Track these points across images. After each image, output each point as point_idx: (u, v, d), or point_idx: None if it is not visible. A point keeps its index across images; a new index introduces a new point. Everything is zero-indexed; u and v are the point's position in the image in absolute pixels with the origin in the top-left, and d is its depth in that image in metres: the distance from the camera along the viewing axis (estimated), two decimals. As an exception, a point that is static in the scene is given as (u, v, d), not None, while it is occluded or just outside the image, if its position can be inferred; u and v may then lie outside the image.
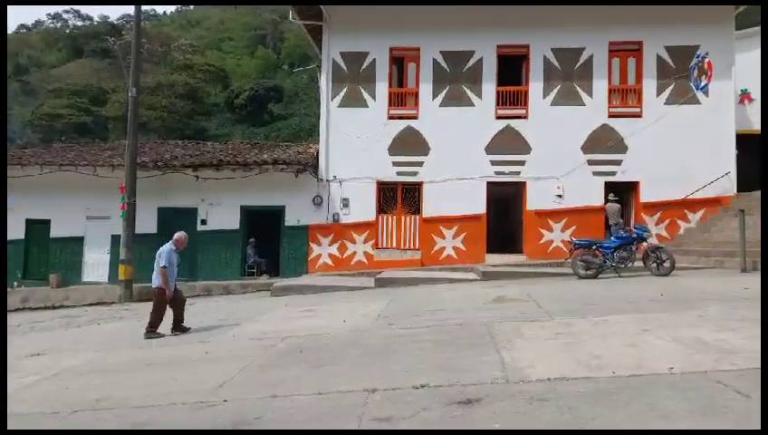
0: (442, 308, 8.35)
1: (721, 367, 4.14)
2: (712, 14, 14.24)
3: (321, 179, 15.25)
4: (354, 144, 15.03)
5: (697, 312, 6.31)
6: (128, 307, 12.65)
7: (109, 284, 14.95)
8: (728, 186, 14.03)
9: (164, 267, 7.99)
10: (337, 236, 15.08)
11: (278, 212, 15.41)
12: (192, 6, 74.10)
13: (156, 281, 8.10)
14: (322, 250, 15.15)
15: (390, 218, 15.17)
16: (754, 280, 8.92)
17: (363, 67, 15.29)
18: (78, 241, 15.82)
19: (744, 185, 14.08)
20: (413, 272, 13.48)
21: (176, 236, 8.39)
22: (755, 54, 15.28)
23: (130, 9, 18.19)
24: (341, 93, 15.35)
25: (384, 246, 15.06)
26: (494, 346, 5.48)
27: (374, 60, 15.25)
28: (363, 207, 15.04)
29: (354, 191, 15.06)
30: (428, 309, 8.36)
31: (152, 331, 7.98)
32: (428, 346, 5.82)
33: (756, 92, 15.96)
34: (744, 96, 16.00)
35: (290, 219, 15.30)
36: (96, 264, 15.70)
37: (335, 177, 15.19)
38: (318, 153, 15.49)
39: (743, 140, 14.39)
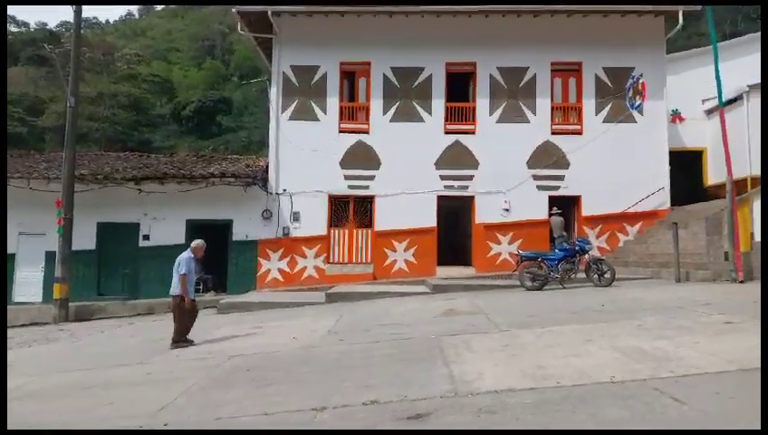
0: (393, 322, 8.33)
1: (658, 375, 4.32)
2: (645, 39, 15.07)
3: (271, 193, 15.02)
4: (305, 157, 14.92)
5: (636, 321, 6.58)
6: (63, 328, 11.94)
7: (43, 303, 14.09)
8: (663, 200, 14.80)
9: (184, 274, 7.93)
10: (287, 251, 14.86)
11: (225, 226, 15.03)
12: (137, 15, 72.06)
13: (175, 289, 8.03)
14: (272, 265, 14.87)
15: (342, 232, 15.10)
16: (688, 290, 9.42)
17: (314, 81, 15.26)
18: (8, 259, 14.85)
19: (677, 199, 14.90)
20: (365, 286, 13.43)
21: (193, 244, 8.43)
22: (684, 77, 16.30)
23: (70, 16, 17.43)
24: (292, 106, 15.25)
25: (336, 260, 14.95)
26: (443, 360, 5.51)
27: (325, 74, 15.26)
28: (314, 221, 14.90)
29: (305, 205, 14.92)
30: (380, 324, 8.33)
31: (179, 340, 7.90)
32: (379, 362, 5.78)
33: (686, 112, 17.00)
34: (675, 116, 16.99)
35: (238, 234, 14.95)
36: (29, 282, 14.77)
37: (285, 190, 15.01)
38: (267, 166, 15.27)
39: (675, 157, 15.25)
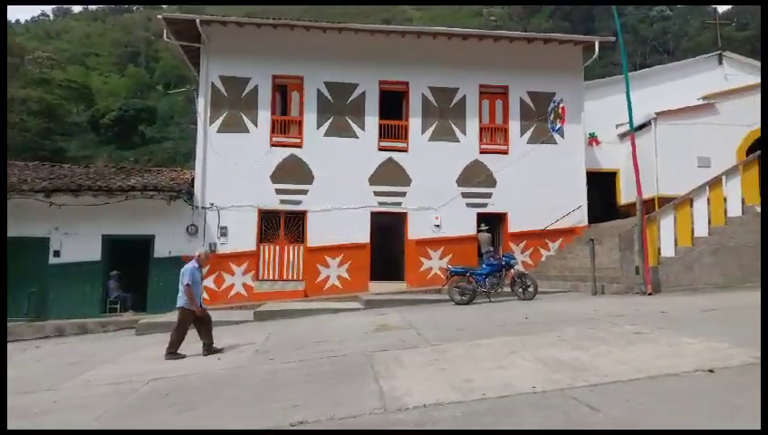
0: (324, 340, 8.22)
1: (575, 384, 4.52)
2: (565, 66, 16.04)
3: (197, 207, 14.49)
4: (234, 171, 14.55)
5: (557, 333, 6.87)
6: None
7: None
8: (581, 217, 15.69)
9: (188, 285, 7.84)
10: (213, 268, 14.32)
11: (147, 242, 14.30)
12: (52, 16, 67.90)
13: (180, 300, 7.96)
14: (197, 282, 14.26)
15: (272, 248, 14.79)
16: (603, 302, 9.99)
17: (245, 93, 14.98)
18: None
19: (593, 217, 15.85)
20: (296, 303, 13.18)
21: (198, 252, 8.36)
22: (601, 102, 17.46)
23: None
24: (221, 118, 14.87)
25: (265, 277, 14.60)
26: (373, 376, 5.49)
27: (256, 86, 15.03)
28: (243, 237, 14.51)
29: (233, 220, 14.50)
30: (310, 341, 8.19)
31: (173, 351, 7.76)
32: (308, 380, 5.67)
33: (602, 136, 18.18)
34: (592, 139, 18.12)
35: (160, 250, 14.26)
36: None
37: (212, 204, 14.53)
38: (194, 179, 14.74)
39: (591, 178, 16.26)
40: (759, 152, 11.69)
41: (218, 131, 14.83)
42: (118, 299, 14.23)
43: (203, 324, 8.04)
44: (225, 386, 5.81)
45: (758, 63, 20.08)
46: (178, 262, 14.19)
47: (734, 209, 11.30)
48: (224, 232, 14.46)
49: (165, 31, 14.70)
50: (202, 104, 14.90)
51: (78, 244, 13.84)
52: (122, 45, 53.60)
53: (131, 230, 14.17)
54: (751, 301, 8.58)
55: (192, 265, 8.10)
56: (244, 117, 14.93)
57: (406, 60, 15.46)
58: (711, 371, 4.53)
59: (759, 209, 11.13)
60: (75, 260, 13.76)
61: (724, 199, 11.34)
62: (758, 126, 16.67)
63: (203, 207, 14.51)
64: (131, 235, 14.23)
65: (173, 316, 12.50)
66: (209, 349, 7.92)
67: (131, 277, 14.46)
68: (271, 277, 14.60)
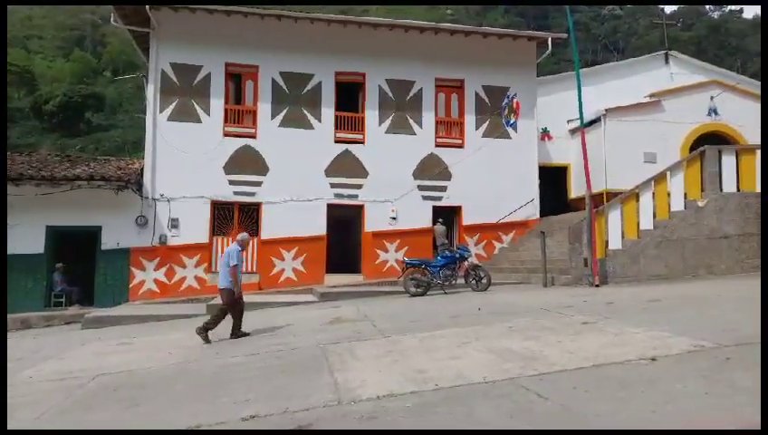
0: (278, 333, 8.14)
1: (525, 373, 4.63)
2: (519, 61, 16.33)
3: (147, 198, 14.01)
4: (185, 161, 14.13)
5: (508, 323, 7.04)
6: None
7: None
8: (533, 211, 16.08)
9: (235, 266, 8.00)
10: (164, 260, 13.92)
11: (93, 234, 13.73)
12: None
13: (224, 281, 8.06)
14: (147, 276, 13.85)
15: (226, 240, 14.47)
16: (553, 293, 10.29)
17: (196, 81, 14.55)
18: None
19: (545, 210, 16.28)
20: (250, 296, 12.87)
21: (240, 237, 8.64)
22: (553, 98, 17.90)
23: None
24: (171, 106, 14.39)
25: (218, 269, 14.24)
26: (328, 368, 5.47)
27: (209, 74, 14.61)
28: (195, 229, 14.14)
29: (185, 211, 14.10)
30: (264, 335, 8.09)
31: (240, 330, 8.05)
32: (261, 374, 5.59)
33: (554, 131, 18.65)
34: (545, 134, 18.58)
35: (108, 242, 13.72)
36: None
37: (163, 195, 14.08)
38: (143, 169, 14.23)
39: (543, 172, 16.67)
40: (700, 149, 12.28)
41: (169, 120, 14.35)
42: (63, 293, 13.63)
43: (238, 308, 8.24)
44: (174, 381, 5.66)
45: (702, 64, 21.10)
46: (128, 254, 13.79)
47: (677, 204, 11.83)
48: (175, 224, 14.05)
49: (112, 15, 14.08)
50: (152, 92, 14.38)
51: (20, 236, 13.12)
52: (67, 28, 50.97)
53: (77, 221, 13.57)
54: (691, 291, 9.04)
55: (236, 247, 8.30)
56: (195, 105, 14.50)
57: (363, 51, 15.37)
58: (653, 359, 4.74)
59: (701, 204, 11.71)
60: (17, 252, 13.04)
61: (668, 194, 11.86)
62: (700, 123, 17.55)
63: (153, 198, 14.04)
64: (77, 226, 13.64)
65: (121, 310, 12.17)
66: (237, 332, 8.07)
67: (77, 270, 13.87)
68: (225, 270, 14.28)
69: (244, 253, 14.11)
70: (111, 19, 14.31)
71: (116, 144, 33.73)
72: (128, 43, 17.17)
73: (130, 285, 13.75)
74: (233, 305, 8.09)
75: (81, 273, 13.84)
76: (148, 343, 8.26)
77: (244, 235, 8.83)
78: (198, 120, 14.49)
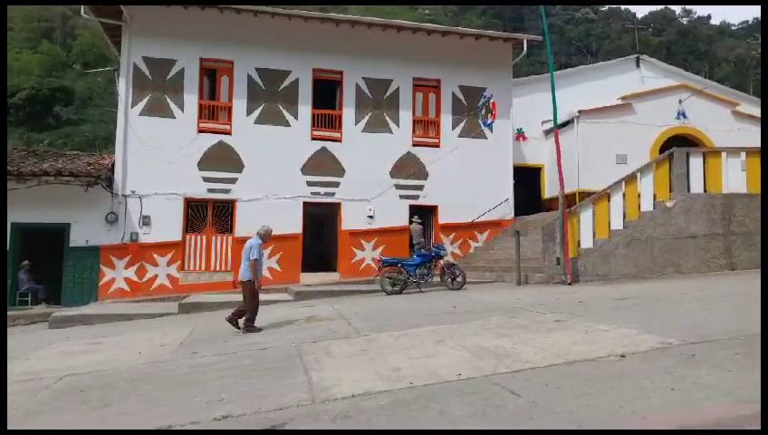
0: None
1: (498, 371, 4.69)
2: (495, 62, 16.48)
3: (117, 194, 13.71)
4: (158, 157, 13.87)
5: (482, 322, 7.10)
6: None
7: None
8: (507, 210, 16.26)
9: (255, 260, 8.12)
10: (135, 258, 13.65)
11: (61, 231, 13.38)
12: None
13: (247, 274, 8.16)
14: (117, 274, 13.55)
15: (199, 238, 14.27)
16: (526, 292, 10.43)
17: (170, 75, 14.29)
18: None
19: (519, 210, 16.49)
20: (223, 295, 12.79)
21: (263, 230, 8.64)
22: (528, 99, 18.15)
23: None
24: (144, 101, 14.10)
25: (191, 268, 14.08)
26: (302, 367, 5.43)
27: (183, 69, 14.37)
28: (167, 226, 13.89)
29: (157, 208, 13.84)
30: (237, 334, 7.99)
31: (252, 325, 8.06)
32: (234, 373, 5.52)
33: (528, 132, 18.89)
34: (520, 135, 18.81)
35: (76, 239, 13.39)
36: None
37: (134, 192, 13.81)
38: (114, 165, 13.92)
39: (518, 172, 16.88)
40: (669, 151, 12.58)
41: (141, 115, 14.07)
42: (29, 291, 13.25)
43: (254, 300, 8.30)
44: (144, 381, 5.55)
45: (671, 68, 21.64)
46: (97, 252, 13.47)
47: (647, 204, 12.10)
48: (146, 221, 13.78)
49: (83, 6, 13.72)
50: (123, 86, 14.07)
51: (-19, 232, 12.71)
52: (35, 20, 49.46)
53: (44, 218, 13.20)
54: (659, 290, 9.26)
55: (257, 241, 8.37)
56: (169, 101, 14.24)
57: (340, 49, 15.31)
58: (623, 356, 4.84)
59: (669, 205, 12.00)
60: (-22, 250, 12.63)
61: (638, 195, 12.13)
62: (669, 126, 18.00)
63: (123, 195, 13.75)
64: (44, 223, 13.27)
65: (90, 309, 11.88)
66: (250, 327, 8.10)
67: (44, 268, 13.50)
68: (197, 268, 14.11)
69: (241, 250, 14.06)
70: (82, 11, 13.95)
71: (86, 139, 32.92)
72: (99, 36, 16.75)
73: (100, 284, 13.45)
74: (253, 295, 8.18)
75: (49, 271, 13.47)
76: (117, 343, 8.09)
77: (267, 227, 8.82)
78: (172, 116, 14.24)
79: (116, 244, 13.59)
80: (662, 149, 16.22)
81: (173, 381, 5.47)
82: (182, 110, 14.32)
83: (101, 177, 13.25)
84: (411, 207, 15.48)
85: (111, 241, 13.59)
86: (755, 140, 16.91)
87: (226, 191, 14.40)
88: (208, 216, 14.39)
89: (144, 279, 13.70)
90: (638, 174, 12.23)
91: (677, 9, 70.00)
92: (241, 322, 8.14)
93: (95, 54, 39.96)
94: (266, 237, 8.69)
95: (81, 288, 13.31)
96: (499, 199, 16.04)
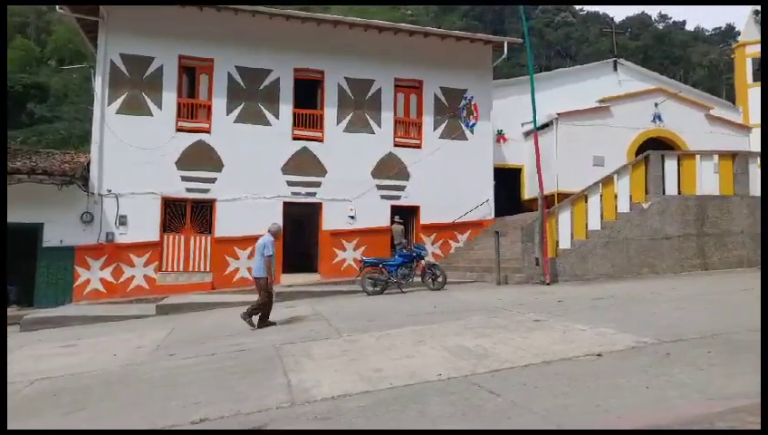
0: (231, 334, 7.97)
1: (478, 371, 4.71)
2: (476, 64, 16.59)
3: (93, 193, 13.45)
4: (135, 155, 13.65)
5: (463, 322, 7.14)
6: None
7: None
8: (488, 211, 16.38)
9: (270, 256, 8.30)
10: (111, 259, 13.40)
11: (34, 231, 13.07)
12: None
13: (261, 271, 8.33)
14: (92, 275, 13.29)
15: (177, 238, 14.08)
16: (506, 292, 10.52)
17: (148, 73, 14.07)
18: None
19: (499, 210, 16.62)
20: (202, 296, 12.66)
21: (274, 228, 8.80)
22: (508, 101, 18.31)
23: None
24: (121, 99, 13.85)
25: (169, 269, 13.87)
26: (282, 369, 5.39)
27: (161, 66, 14.16)
28: (144, 226, 13.67)
29: (134, 208, 13.61)
30: (217, 335, 7.91)
31: (266, 320, 8.28)
32: (213, 376, 5.45)
33: (509, 133, 19.05)
34: (500, 136, 18.97)
35: (50, 239, 13.10)
36: None
37: (110, 191, 13.56)
38: (89, 163, 13.65)
39: (498, 173, 17.02)
40: (645, 154, 12.82)
41: (118, 113, 13.82)
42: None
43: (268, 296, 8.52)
44: (119, 385, 5.45)
45: (648, 72, 22.03)
46: (72, 252, 13.19)
47: (623, 206, 12.30)
48: (123, 221, 13.54)
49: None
50: (99, 83, 13.80)
51: (-50, 232, 12.34)
52: (9, 14, 48.32)
53: (16, 218, 12.80)
54: (635, 290, 9.43)
55: (269, 238, 8.51)
56: (146, 98, 14.02)
57: (322, 49, 15.25)
58: (599, 355, 4.91)
59: (645, 206, 12.22)
60: (-54, 250, 12.26)
61: (615, 196, 12.33)
62: (646, 129, 18.34)
63: (99, 194, 13.49)
64: (16, 223, 12.87)
65: (63, 311, 11.63)
66: (265, 322, 8.31)
67: (16, 269, 13.15)
68: (175, 269, 13.91)
69: (221, 250, 14.03)
70: (57, 6, 13.64)
71: (61, 137, 32.23)
72: (75, 32, 16.40)
73: (75, 285, 13.18)
74: (268, 292, 8.36)
75: (20, 272, 13.13)
76: (92, 345, 7.93)
77: (278, 225, 9.09)
78: (149, 114, 14.02)
79: (91, 244, 13.33)
80: (638, 152, 16.50)
81: (149, 385, 5.38)
82: (160, 108, 14.10)
83: (76, 175, 12.99)
84: (393, 207, 15.50)
85: (87, 241, 13.32)
86: (727, 143, 17.34)
87: (205, 191, 14.23)
88: (187, 215, 14.20)
89: (120, 280, 13.47)
90: (615, 176, 12.43)
91: (654, 14, 71.46)
92: (255, 318, 8.27)
93: (71, 51, 39.20)
94: (278, 235, 8.95)
95: (55, 290, 13.02)
96: (480, 200, 16.15)
